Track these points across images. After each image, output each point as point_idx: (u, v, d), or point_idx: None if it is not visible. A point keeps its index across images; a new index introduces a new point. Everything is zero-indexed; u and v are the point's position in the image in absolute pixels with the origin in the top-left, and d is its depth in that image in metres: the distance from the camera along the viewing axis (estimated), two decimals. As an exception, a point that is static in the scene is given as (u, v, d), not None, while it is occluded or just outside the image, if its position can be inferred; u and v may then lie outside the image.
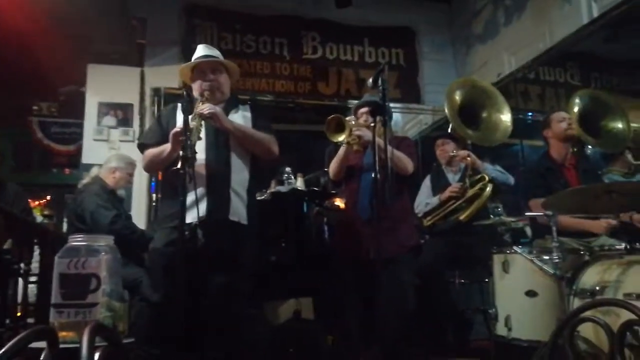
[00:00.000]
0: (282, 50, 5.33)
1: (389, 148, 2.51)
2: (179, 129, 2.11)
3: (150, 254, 2.29)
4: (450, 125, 3.27)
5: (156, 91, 4.81)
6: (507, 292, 2.62)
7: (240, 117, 2.45)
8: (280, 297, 3.13)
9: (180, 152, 1.94)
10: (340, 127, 2.58)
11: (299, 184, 3.53)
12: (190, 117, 2.07)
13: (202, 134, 2.22)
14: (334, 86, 5.33)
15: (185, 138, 1.94)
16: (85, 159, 4.59)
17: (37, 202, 5.85)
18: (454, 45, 5.83)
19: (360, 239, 2.61)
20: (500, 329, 2.58)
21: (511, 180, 3.42)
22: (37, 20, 4.24)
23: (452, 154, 3.47)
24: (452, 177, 3.57)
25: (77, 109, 4.92)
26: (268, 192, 3.42)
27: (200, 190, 2.23)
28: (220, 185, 2.24)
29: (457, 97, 3.21)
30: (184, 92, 2.10)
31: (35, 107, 5.98)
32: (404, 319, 2.34)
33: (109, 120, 4.70)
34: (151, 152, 2.38)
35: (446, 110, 3.17)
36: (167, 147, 2.26)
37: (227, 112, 2.38)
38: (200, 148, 2.26)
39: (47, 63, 5.15)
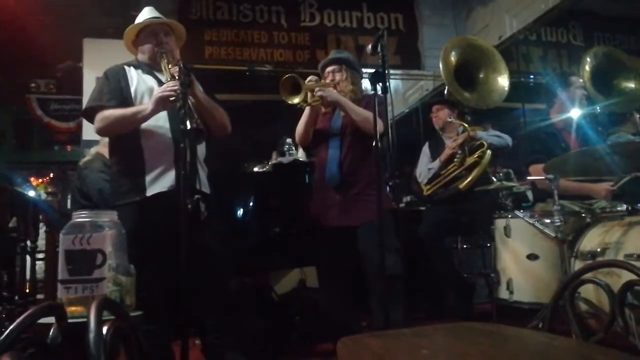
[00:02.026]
0: (279, 19, 5.24)
1: (355, 109, 2.44)
2: (169, 92, 2.03)
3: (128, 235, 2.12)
4: (446, 89, 3.23)
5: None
6: (509, 256, 2.65)
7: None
8: (284, 266, 3.18)
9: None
10: (296, 89, 2.43)
11: (300, 154, 3.52)
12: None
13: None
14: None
15: (185, 109, 1.90)
16: (86, 135, 4.57)
17: (40, 180, 5.87)
18: (454, 9, 5.71)
19: (330, 206, 2.51)
20: (502, 292, 2.63)
21: (509, 141, 3.41)
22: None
23: (448, 120, 3.45)
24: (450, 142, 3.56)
25: (76, 85, 4.88)
26: (270, 163, 3.43)
27: (168, 160, 2.16)
28: (190, 157, 2.05)
29: (453, 58, 3.14)
30: (181, 65, 2.06)
31: (33, 85, 5.92)
32: (390, 282, 2.20)
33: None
34: (116, 113, 2.18)
35: (441, 72, 3.12)
36: (142, 109, 2.13)
37: (176, 65, 2.19)
38: (162, 116, 2.21)
39: (42, 39, 5.09)
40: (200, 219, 2.01)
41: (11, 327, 0.78)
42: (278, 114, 4.40)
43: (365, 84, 2.76)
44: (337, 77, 2.60)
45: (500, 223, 2.72)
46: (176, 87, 1.99)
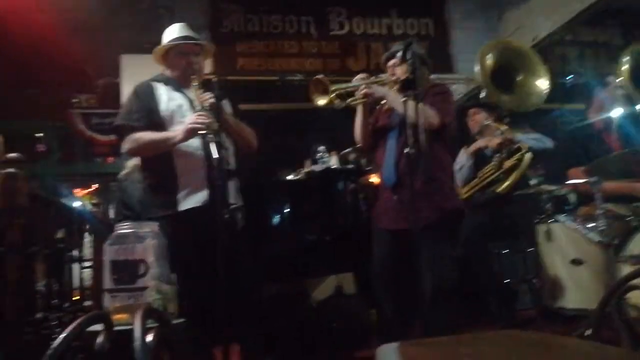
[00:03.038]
0: (309, 29, 5.28)
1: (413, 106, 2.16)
2: (199, 124, 2.08)
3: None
4: (483, 92, 3.17)
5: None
6: (552, 261, 2.58)
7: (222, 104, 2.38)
8: (320, 274, 3.19)
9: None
10: (325, 91, 2.35)
11: (333, 162, 3.53)
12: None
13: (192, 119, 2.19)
14: (363, 61, 5.25)
15: (215, 123, 1.96)
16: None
17: (84, 191, 6.08)
18: (485, 11, 5.62)
19: (388, 208, 2.39)
20: (546, 298, 2.56)
21: (548, 143, 3.32)
22: (68, 16, 4.36)
23: (485, 123, 3.39)
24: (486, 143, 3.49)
25: (114, 99, 5.05)
26: (303, 171, 3.45)
27: (201, 176, 2.20)
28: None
29: (490, 61, 3.09)
30: (215, 79, 2.11)
31: (75, 100, 6.17)
32: (443, 294, 2.17)
33: (145, 108, 4.80)
34: (146, 137, 2.24)
35: (478, 76, 3.06)
36: (172, 136, 2.19)
37: (207, 90, 2.25)
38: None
39: (82, 57, 5.30)
40: (237, 228, 2.05)
41: (62, 335, 0.82)
42: (310, 123, 4.44)
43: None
44: (397, 71, 2.42)
45: (541, 228, 2.66)
46: (206, 120, 2.05)
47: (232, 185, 2.30)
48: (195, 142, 2.22)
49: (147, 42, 4.95)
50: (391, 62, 2.47)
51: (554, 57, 4.83)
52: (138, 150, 2.32)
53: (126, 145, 2.31)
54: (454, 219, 2.33)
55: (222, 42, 4.89)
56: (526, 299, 3.25)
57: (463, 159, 3.47)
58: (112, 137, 6.05)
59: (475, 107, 3.55)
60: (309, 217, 3.07)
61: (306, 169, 3.53)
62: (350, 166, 3.53)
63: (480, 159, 3.38)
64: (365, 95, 2.35)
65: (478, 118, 3.49)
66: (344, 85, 2.40)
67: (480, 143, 3.32)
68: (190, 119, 2.16)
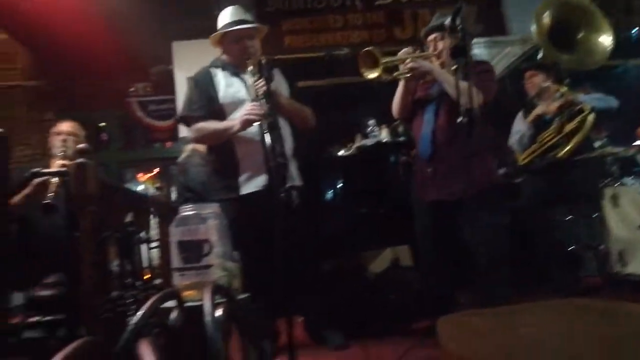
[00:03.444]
0: (353, 0, 5.19)
1: (452, 80, 2.17)
2: (254, 115, 2.15)
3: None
4: (541, 53, 3.02)
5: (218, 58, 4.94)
6: (619, 226, 2.48)
7: (277, 84, 2.44)
8: (376, 247, 3.21)
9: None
10: (375, 63, 2.32)
11: (384, 135, 3.51)
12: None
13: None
14: (410, 30, 5.10)
15: (269, 111, 2.00)
16: (182, 132, 4.89)
17: (146, 176, 6.39)
18: (540, -36, 5.29)
19: (425, 180, 2.41)
20: (613, 265, 2.46)
21: (613, 103, 3.12)
22: (121, 7, 4.52)
23: (544, 85, 3.23)
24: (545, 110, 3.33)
25: (169, 86, 5.22)
26: (354, 147, 3.45)
27: (259, 161, 2.23)
28: (279, 154, 2.16)
29: (547, 18, 2.91)
30: (264, 60, 2.14)
31: (132, 89, 6.44)
32: (493, 261, 2.15)
33: (198, 94, 4.93)
34: (207, 127, 2.38)
35: (535, 36, 2.91)
36: (230, 126, 2.29)
37: (260, 76, 2.30)
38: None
39: (136, 46, 5.50)
40: (293, 206, 2.10)
41: (140, 312, 0.88)
42: (359, 97, 4.40)
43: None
44: (440, 45, 2.42)
45: (607, 192, 2.55)
46: (259, 111, 2.11)
47: (291, 166, 2.37)
48: (253, 129, 2.29)
49: (196, 28, 5.07)
50: (432, 36, 2.45)
51: (617, 10, 4.49)
52: (201, 139, 2.52)
53: (191, 135, 2.49)
54: (494, 191, 2.32)
55: (268, 22, 4.89)
56: (591, 267, 3.13)
57: (521, 127, 3.34)
58: (168, 122, 6.30)
59: (533, 69, 3.39)
60: (363, 192, 3.08)
61: (357, 144, 3.53)
62: (402, 138, 3.50)
63: (540, 123, 3.24)
64: (411, 70, 2.34)
65: (536, 80, 3.33)
66: (392, 59, 2.38)
67: (539, 110, 3.18)
68: (244, 110, 2.24)
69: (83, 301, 1.80)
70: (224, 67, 2.48)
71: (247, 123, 2.22)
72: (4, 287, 1.69)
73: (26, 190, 2.27)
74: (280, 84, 2.50)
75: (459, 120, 1.96)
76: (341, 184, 3.27)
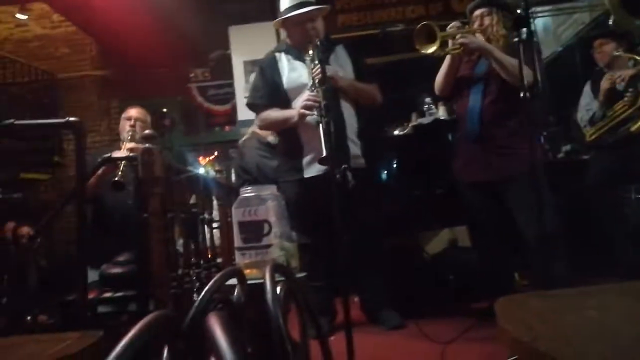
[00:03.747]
0: (407, -26, 5.05)
1: (501, 56, 2.20)
2: (309, 106, 2.18)
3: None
4: (612, 19, 2.81)
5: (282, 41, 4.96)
6: (698, 205, 2.29)
7: (341, 62, 2.47)
8: (433, 227, 3.17)
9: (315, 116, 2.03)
10: (432, 37, 2.27)
11: (441, 113, 3.43)
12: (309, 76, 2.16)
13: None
14: (468, 0, 4.92)
15: (325, 98, 2.02)
16: (240, 116, 5.02)
17: (207, 159, 6.61)
18: None
19: (471, 160, 2.38)
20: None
21: None
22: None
23: (616, 54, 3.02)
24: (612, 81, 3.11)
25: (226, 70, 5.35)
26: (409, 125, 3.40)
27: (320, 147, 2.30)
28: (338, 137, 2.21)
29: (619, -20, 2.72)
30: (317, 42, 2.15)
31: (192, 75, 6.66)
32: (545, 242, 2.04)
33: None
34: (271, 116, 2.48)
35: (605, 1, 2.71)
36: (291, 116, 2.37)
37: (324, 55, 2.35)
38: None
39: (194, 33, 5.66)
40: (349, 187, 2.12)
41: (206, 289, 0.93)
42: (415, 74, 4.31)
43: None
44: (486, 21, 2.36)
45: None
46: (314, 103, 2.12)
47: (356, 148, 2.39)
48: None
49: (251, 11, 5.14)
50: (478, 11, 2.39)
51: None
52: (266, 127, 2.66)
53: (257, 122, 2.64)
54: (542, 170, 2.20)
55: (321, 1, 4.88)
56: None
57: (589, 101, 3.16)
58: (227, 106, 6.47)
59: (603, 37, 3.17)
60: (419, 172, 3.04)
61: (413, 122, 3.48)
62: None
63: (611, 95, 3.04)
64: (461, 45, 2.29)
65: (606, 49, 3.12)
66: (445, 33, 2.33)
67: (606, 84, 2.98)
68: (301, 101, 2.28)
69: (152, 278, 1.92)
70: (287, 51, 2.52)
71: (303, 116, 2.29)
72: (83, 264, 1.83)
73: (98, 173, 2.42)
74: (344, 63, 2.51)
75: (521, 94, 1.89)
76: (397, 164, 3.24)
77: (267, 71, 2.52)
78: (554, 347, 0.60)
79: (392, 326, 2.44)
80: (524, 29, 1.90)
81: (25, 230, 3.95)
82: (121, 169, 2.39)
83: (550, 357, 0.58)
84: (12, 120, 1.71)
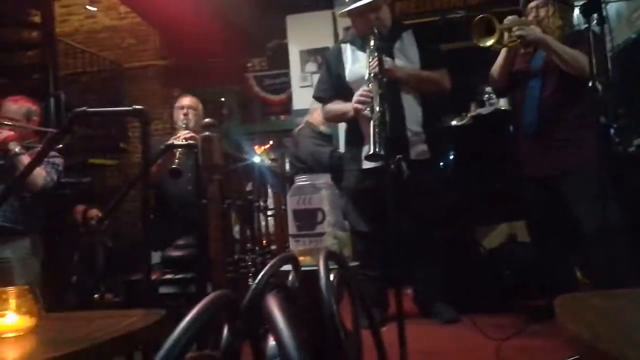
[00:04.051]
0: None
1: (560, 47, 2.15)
2: (362, 101, 2.20)
3: (345, 193, 2.49)
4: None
5: (348, 30, 4.94)
6: None
7: (406, 50, 2.44)
8: (491, 221, 3.09)
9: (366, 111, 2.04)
10: (490, 30, 2.22)
11: (502, 103, 3.31)
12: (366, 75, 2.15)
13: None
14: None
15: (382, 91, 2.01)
16: (296, 105, 5.07)
17: (262, 148, 6.75)
18: None
19: (530, 155, 2.33)
20: None
21: None
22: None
23: None
24: None
25: (283, 59, 5.40)
26: (468, 115, 3.31)
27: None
28: (397, 128, 2.21)
29: None
30: (376, 32, 2.13)
31: (249, 65, 6.79)
32: (611, 237, 1.95)
33: (311, 66, 5.05)
34: (331, 109, 2.58)
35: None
36: (348, 110, 2.41)
37: (391, 42, 2.37)
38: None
39: (251, 23, 5.76)
40: (403, 178, 2.10)
41: (264, 271, 0.96)
42: (474, 62, 4.17)
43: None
44: (542, 12, 2.32)
45: None
46: (369, 97, 2.13)
47: (419, 139, 2.38)
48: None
49: (309, 0, 5.15)
50: (533, 3, 2.34)
51: None
52: (329, 119, 2.78)
53: (322, 114, 2.73)
54: (604, 164, 2.10)
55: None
56: None
57: None
58: (283, 96, 6.55)
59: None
60: (478, 164, 2.96)
61: (472, 112, 3.38)
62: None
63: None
64: (519, 38, 2.23)
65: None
66: (504, 25, 2.28)
67: None
68: (355, 97, 2.30)
69: (210, 262, 1.99)
70: (352, 42, 2.54)
71: (357, 111, 2.31)
72: (147, 247, 1.93)
73: (159, 161, 2.53)
74: (409, 50, 2.48)
75: (590, 84, 1.80)
76: (455, 155, 3.16)
77: (331, 63, 2.57)
78: (616, 347, 0.58)
79: (446, 320, 2.41)
80: (595, 15, 1.81)
81: (94, 212, 4.21)
82: (177, 156, 2.49)
83: (612, 357, 0.56)
84: (84, 108, 1.81)
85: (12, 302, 1.17)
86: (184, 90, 6.01)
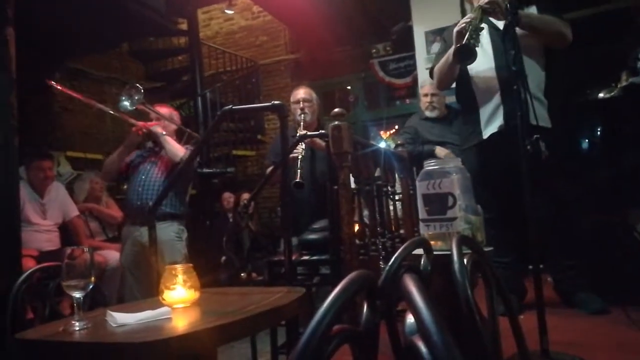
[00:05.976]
0: None
1: None
2: (463, 27, 2.08)
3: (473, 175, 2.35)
4: None
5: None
6: None
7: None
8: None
9: None
10: None
11: (662, 69, 2.91)
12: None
13: (486, 40, 2.17)
14: None
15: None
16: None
17: (388, 133, 6.76)
18: None
19: None
20: None
21: None
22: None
23: None
24: None
25: (408, 42, 5.33)
26: (619, 86, 2.97)
27: (496, 100, 2.21)
28: (520, 92, 2.07)
29: None
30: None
31: (374, 50, 6.82)
32: None
33: (436, 47, 4.90)
34: (439, 64, 2.47)
35: None
36: (449, 53, 2.30)
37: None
38: (488, 55, 2.22)
39: (376, 8, 5.76)
40: (542, 158, 1.97)
41: (397, 253, 1.00)
42: (625, 26, 3.70)
43: None
44: None
45: None
46: (467, 19, 2.07)
47: (539, 106, 2.21)
48: (486, 61, 2.25)
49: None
50: None
51: None
52: (440, 82, 2.51)
53: (434, 81, 2.58)
54: None
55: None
56: None
57: None
58: (408, 79, 6.47)
59: None
60: (631, 141, 2.66)
61: (624, 83, 3.02)
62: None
63: None
64: None
65: None
66: None
67: None
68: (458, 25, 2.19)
69: (342, 245, 2.09)
70: None
71: (459, 35, 2.13)
72: (288, 230, 2.10)
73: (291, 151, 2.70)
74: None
75: None
76: (602, 132, 2.88)
77: (447, 39, 2.51)
78: None
79: (593, 310, 2.23)
80: None
81: (246, 196, 4.64)
82: (299, 166, 2.65)
83: None
84: (231, 106, 2.02)
85: (180, 278, 1.38)
86: (313, 81, 6.27)
